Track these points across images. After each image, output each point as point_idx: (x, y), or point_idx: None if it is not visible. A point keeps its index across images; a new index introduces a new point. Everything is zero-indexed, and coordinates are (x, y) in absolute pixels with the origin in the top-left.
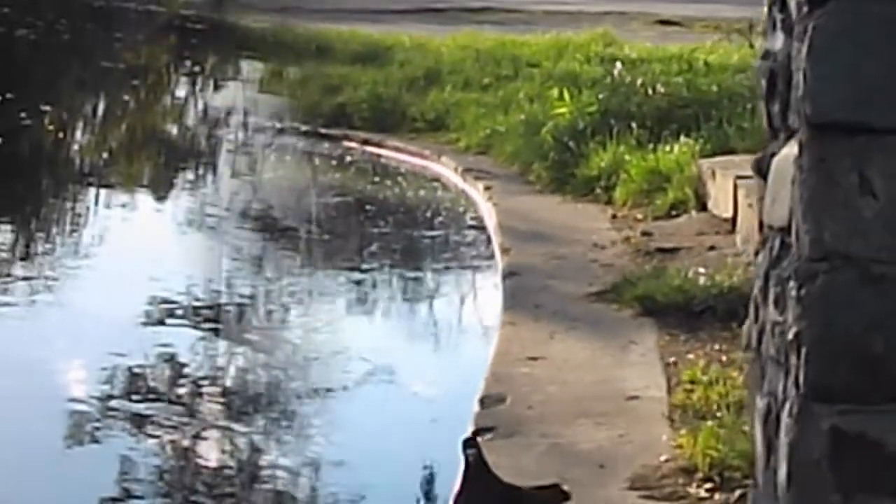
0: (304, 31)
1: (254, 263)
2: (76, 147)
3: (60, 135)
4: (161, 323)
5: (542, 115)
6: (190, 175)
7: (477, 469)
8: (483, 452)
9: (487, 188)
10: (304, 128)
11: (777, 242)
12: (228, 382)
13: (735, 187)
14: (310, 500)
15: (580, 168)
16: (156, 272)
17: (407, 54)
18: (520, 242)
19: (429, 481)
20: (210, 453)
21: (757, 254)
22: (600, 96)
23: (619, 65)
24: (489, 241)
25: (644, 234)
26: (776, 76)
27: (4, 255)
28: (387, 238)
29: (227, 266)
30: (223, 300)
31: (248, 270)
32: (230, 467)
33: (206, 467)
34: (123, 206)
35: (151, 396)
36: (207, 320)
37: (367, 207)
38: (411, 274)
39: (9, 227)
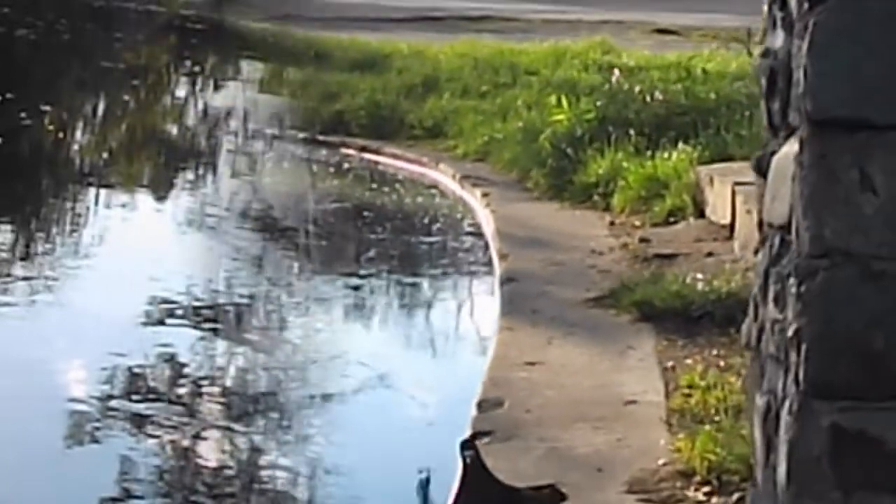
0: (304, 37)
1: (253, 265)
2: (76, 147)
3: (60, 135)
4: (161, 323)
5: (540, 122)
6: (189, 176)
7: (475, 471)
8: (481, 454)
9: (485, 195)
10: (302, 134)
11: (777, 240)
12: (228, 383)
13: (733, 194)
14: (308, 501)
15: (578, 175)
16: (156, 272)
17: (405, 62)
18: (518, 249)
19: (426, 484)
20: (210, 453)
21: (756, 252)
22: (598, 103)
23: (617, 72)
24: (487, 247)
25: (642, 240)
26: (776, 74)
27: (4, 255)
28: (385, 244)
29: (226, 267)
30: (223, 301)
31: (247, 272)
32: (230, 468)
33: (206, 467)
34: (123, 206)
35: (151, 396)
36: (207, 320)
37: (366, 214)
38: (409, 280)
39: (9, 227)
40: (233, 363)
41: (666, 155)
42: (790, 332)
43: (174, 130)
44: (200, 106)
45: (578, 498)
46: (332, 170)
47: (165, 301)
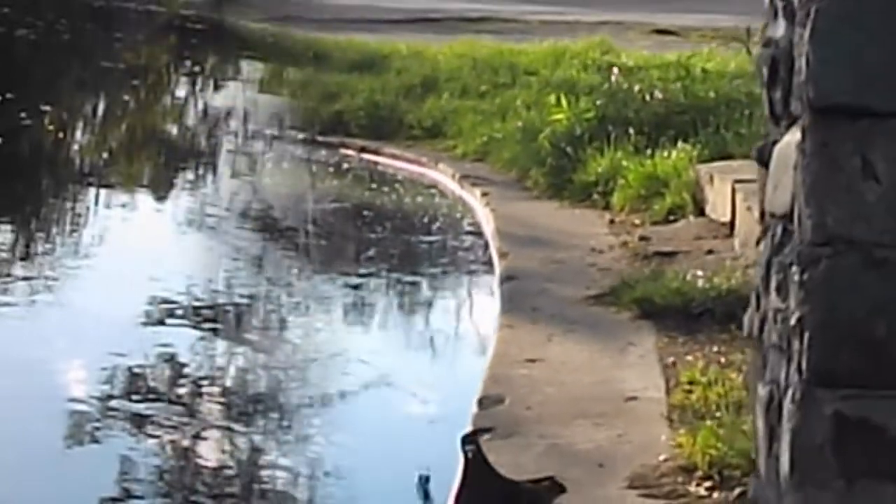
0: (304, 37)
1: (253, 265)
2: (76, 147)
3: (60, 135)
4: (161, 323)
5: (540, 121)
6: (189, 176)
7: (477, 465)
8: (482, 449)
9: (485, 194)
10: (301, 135)
11: (779, 230)
12: (228, 383)
13: (733, 191)
14: (309, 500)
15: (578, 174)
16: (156, 272)
17: (404, 62)
18: (517, 247)
19: (426, 482)
20: (210, 453)
21: (758, 243)
22: (598, 103)
23: (616, 71)
24: (487, 246)
25: (642, 238)
26: (778, 63)
27: (4, 255)
28: (385, 243)
29: (226, 267)
30: (223, 301)
31: (247, 272)
32: (230, 468)
33: (206, 467)
34: (123, 206)
35: (151, 396)
36: (207, 320)
37: (365, 214)
38: (409, 279)
39: (9, 227)
40: (233, 363)
41: (665, 153)
42: (793, 321)
43: (174, 130)
44: (200, 106)
45: (579, 493)
46: (331, 170)
47: (165, 301)
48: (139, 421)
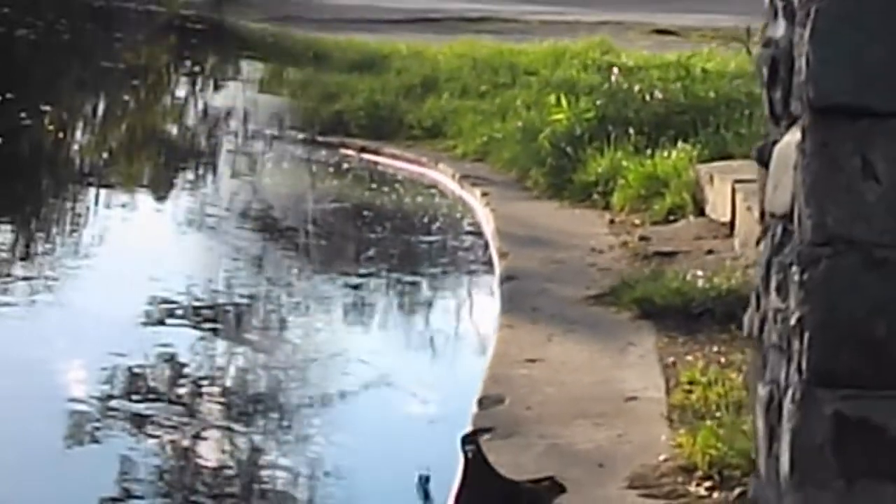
0: (303, 37)
1: (253, 265)
2: (76, 147)
3: (60, 135)
4: (161, 323)
5: (540, 121)
6: (189, 176)
7: (477, 465)
8: (482, 449)
9: (485, 194)
10: (301, 135)
11: (779, 230)
12: (228, 383)
13: (733, 191)
14: (308, 500)
15: (578, 174)
16: (156, 272)
17: (404, 62)
18: (517, 247)
19: (425, 482)
20: (210, 453)
21: (758, 243)
22: (598, 103)
23: (616, 71)
24: (487, 246)
25: (642, 238)
26: (778, 63)
27: (4, 255)
28: (385, 243)
29: (226, 267)
30: (223, 301)
31: (247, 272)
32: (230, 468)
33: (206, 467)
34: (123, 206)
35: (151, 396)
36: (207, 320)
37: (365, 213)
38: (409, 278)
39: (9, 227)
40: (233, 363)
41: (665, 153)
42: (793, 321)
43: (174, 130)
44: (200, 106)
45: (579, 493)
46: (331, 170)
47: (165, 301)
48: (139, 421)
